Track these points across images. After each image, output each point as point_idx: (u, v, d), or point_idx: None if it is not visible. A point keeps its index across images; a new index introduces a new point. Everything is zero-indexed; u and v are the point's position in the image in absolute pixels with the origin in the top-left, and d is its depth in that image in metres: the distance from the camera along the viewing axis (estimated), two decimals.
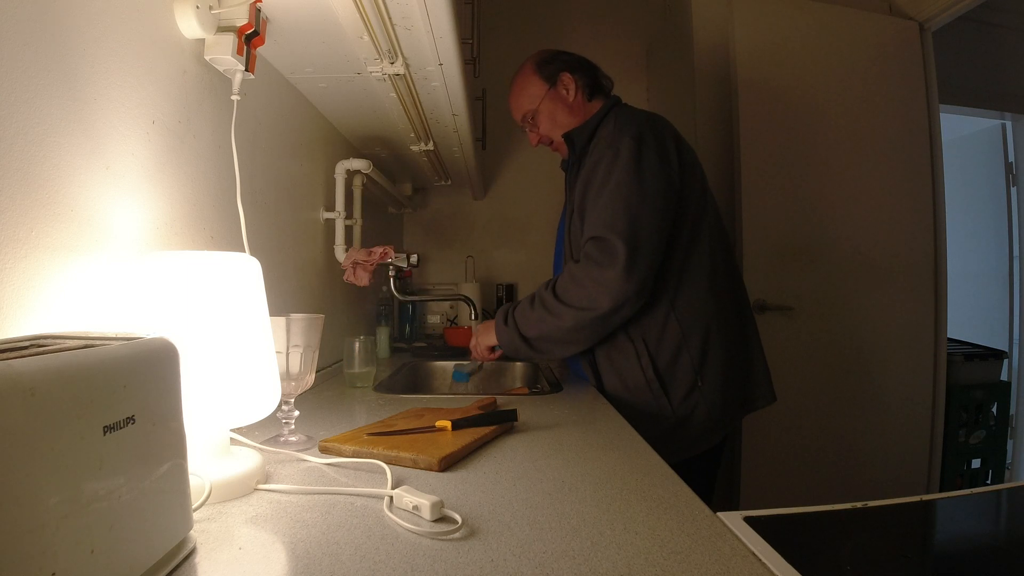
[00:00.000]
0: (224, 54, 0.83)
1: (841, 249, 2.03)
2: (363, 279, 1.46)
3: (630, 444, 0.83)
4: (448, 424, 0.84)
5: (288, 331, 0.82)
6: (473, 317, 1.84)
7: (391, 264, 1.57)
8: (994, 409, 2.28)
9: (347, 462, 0.73)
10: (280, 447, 0.79)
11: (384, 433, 0.82)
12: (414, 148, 1.70)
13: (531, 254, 2.63)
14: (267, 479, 0.67)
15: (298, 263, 1.29)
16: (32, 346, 0.39)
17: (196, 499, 0.54)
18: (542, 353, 1.22)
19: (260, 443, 0.79)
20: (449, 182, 2.27)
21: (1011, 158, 3.00)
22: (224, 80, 0.91)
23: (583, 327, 1.14)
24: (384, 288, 1.85)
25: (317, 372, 0.92)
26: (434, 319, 2.51)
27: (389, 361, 1.75)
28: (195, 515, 0.52)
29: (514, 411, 0.93)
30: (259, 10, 0.88)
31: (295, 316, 0.84)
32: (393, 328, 2.13)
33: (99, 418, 0.37)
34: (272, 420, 0.82)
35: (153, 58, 0.74)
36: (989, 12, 2.65)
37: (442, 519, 0.55)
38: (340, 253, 1.49)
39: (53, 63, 0.57)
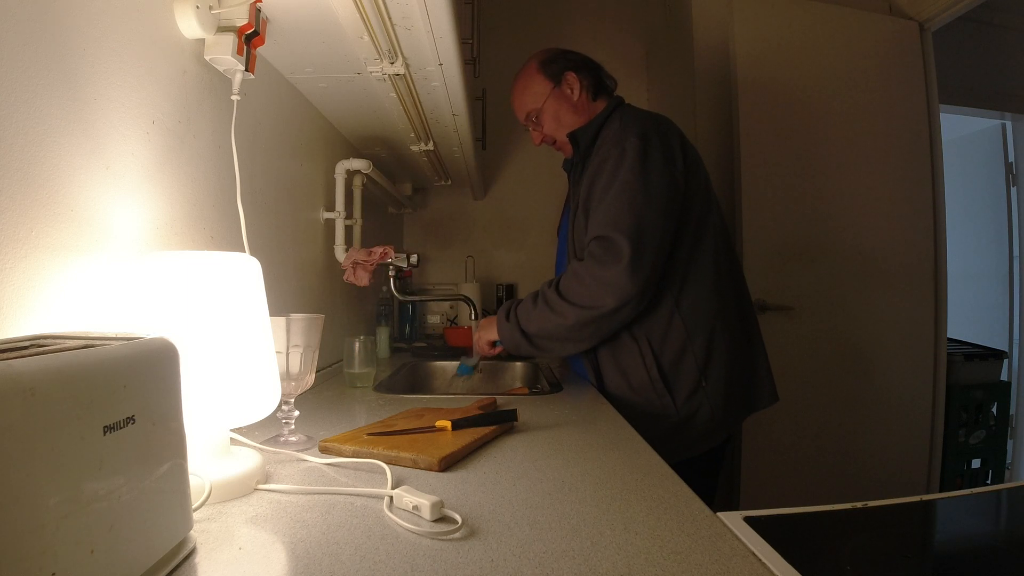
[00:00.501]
0: (224, 54, 0.83)
1: (841, 249, 2.03)
2: (363, 279, 1.46)
3: (630, 444, 0.83)
4: (448, 424, 0.84)
5: (288, 331, 0.82)
6: (473, 317, 1.84)
7: (391, 264, 1.57)
8: (994, 409, 2.28)
9: (347, 462, 0.73)
10: (280, 447, 0.79)
11: (384, 433, 0.82)
12: (414, 148, 1.71)
13: (531, 254, 2.63)
14: (267, 479, 0.67)
15: (298, 263, 1.29)
16: (32, 346, 0.39)
17: (196, 499, 0.54)
18: (543, 351, 1.22)
19: (260, 443, 0.79)
20: (449, 182, 2.27)
21: (1011, 158, 3.00)
22: (224, 80, 0.91)
23: (586, 325, 1.14)
24: (384, 288, 1.85)
25: (317, 372, 0.92)
26: (434, 319, 2.51)
27: (389, 361, 1.75)
28: (195, 515, 0.52)
29: (514, 411, 0.93)
30: (259, 10, 0.88)
31: (295, 316, 0.84)
32: (393, 328, 2.13)
33: (99, 418, 0.37)
34: (272, 420, 0.82)
35: (153, 58, 0.74)
36: (989, 12, 2.65)
37: (442, 519, 0.55)
38: (340, 253, 1.49)
39: (53, 63, 0.57)
